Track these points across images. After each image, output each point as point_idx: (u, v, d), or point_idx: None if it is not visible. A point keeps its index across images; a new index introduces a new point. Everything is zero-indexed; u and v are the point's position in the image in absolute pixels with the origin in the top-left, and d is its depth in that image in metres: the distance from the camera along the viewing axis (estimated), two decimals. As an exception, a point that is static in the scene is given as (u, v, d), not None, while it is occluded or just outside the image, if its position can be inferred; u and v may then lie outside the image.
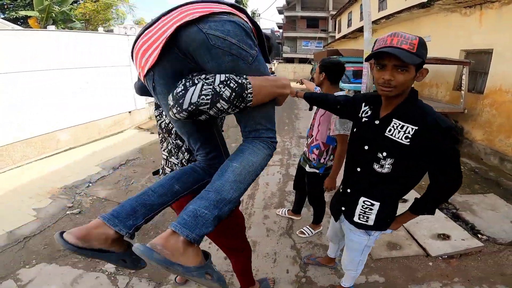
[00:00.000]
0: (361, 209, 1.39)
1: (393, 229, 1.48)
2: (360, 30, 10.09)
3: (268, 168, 4.50)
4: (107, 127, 6.46)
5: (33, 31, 6.02)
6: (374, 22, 8.98)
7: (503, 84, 4.63)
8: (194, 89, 0.79)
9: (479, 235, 2.90)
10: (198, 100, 0.79)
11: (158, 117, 1.37)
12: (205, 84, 0.79)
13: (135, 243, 0.73)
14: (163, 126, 1.34)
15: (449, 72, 5.92)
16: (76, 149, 5.44)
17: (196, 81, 0.81)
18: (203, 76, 0.82)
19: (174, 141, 1.30)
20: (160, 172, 1.50)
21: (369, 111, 1.32)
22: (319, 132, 2.22)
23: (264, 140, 0.91)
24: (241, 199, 1.11)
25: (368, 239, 1.49)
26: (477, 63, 5.36)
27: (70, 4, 9.91)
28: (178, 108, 0.80)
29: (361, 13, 8.79)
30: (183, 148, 1.28)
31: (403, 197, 1.43)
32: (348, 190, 1.44)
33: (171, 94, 0.83)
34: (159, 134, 1.42)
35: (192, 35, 0.77)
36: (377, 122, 1.25)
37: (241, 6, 0.98)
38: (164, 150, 1.40)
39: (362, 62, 7.71)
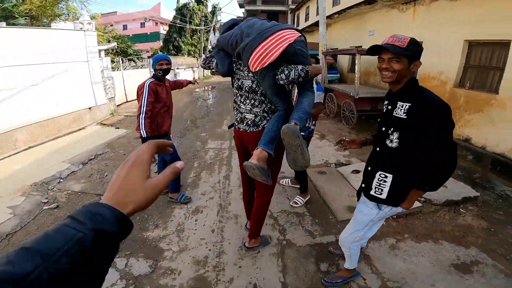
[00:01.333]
0: (376, 182, 1.60)
1: (404, 208, 1.60)
2: (316, 24, 10.79)
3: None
4: (67, 124, 6.23)
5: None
6: (328, 17, 9.70)
7: (431, 72, 5.53)
8: (293, 71, 1.69)
9: (419, 198, 3.42)
10: (294, 76, 1.69)
11: (238, 82, 1.98)
12: (294, 69, 1.69)
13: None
14: (247, 89, 1.93)
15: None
16: (37, 147, 5.23)
17: (290, 68, 1.70)
18: (291, 66, 1.70)
19: (259, 98, 1.92)
20: (236, 124, 2.08)
21: (386, 102, 1.62)
22: None
23: (311, 91, 1.90)
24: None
25: (378, 213, 1.65)
26: None
27: (15, 0, 9.15)
28: (286, 80, 1.71)
29: (318, 8, 9.41)
30: (266, 101, 1.94)
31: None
32: (369, 168, 1.68)
33: (280, 74, 1.71)
34: (239, 96, 2.01)
35: (290, 48, 1.63)
36: (389, 107, 1.54)
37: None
38: (242, 105, 1.99)
39: (317, 55, 8.34)
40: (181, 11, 22.02)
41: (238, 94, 2.01)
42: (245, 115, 1.99)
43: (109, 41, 15.37)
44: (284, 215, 2.99)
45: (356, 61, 6.04)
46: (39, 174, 3.99)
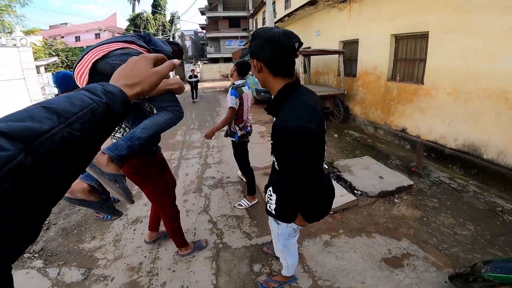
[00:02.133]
0: (267, 197, 1.52)
1: (299, 225, 1.48)
2: (270, 28, 11.08)
3: (188, 160, 4.81)
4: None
5: None
6: (280, 20, 9.99)
7: (367, 67, 5.92)
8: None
9: (355, 191, 3.35)
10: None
11: None
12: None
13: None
14: None
15: (334, 61, 7.16)
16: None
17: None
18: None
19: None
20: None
21: None
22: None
23: (169, 110, 1.51)
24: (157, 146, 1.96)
25: (278, 227, 1.57)
26: (350, 51, 6.66)
27: None
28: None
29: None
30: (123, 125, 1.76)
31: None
32: (267, 184, 1.56)
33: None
34: None
35: (103, 65, 1.32)
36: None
37: (132, 39, 1.48)
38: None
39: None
40: (134, 21, 21.53)
41: None
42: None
43: (58, 55, 14.50)
44: (224, 219, 3.02)
45: (340, 63, 6.32)
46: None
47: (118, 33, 28.51)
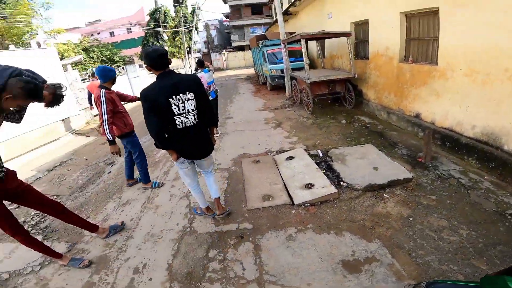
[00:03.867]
0: None
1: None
2: (286, 13, 10.73)
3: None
4: (39, 137, 6.49)
5: None
6: (292, 4, 9.63)
7: (379, 49, 5.49)
8: None
9: (342, 183, 3.09)
10: None
11: None
12: None
13: None
14: None
15: (344, 44, 6.73)
16: (11, 160, 5.51)
17: None
18: None
19: None
20: None
21: None
22: None
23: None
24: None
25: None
26: (361, 33, 6.20)
27: None
28: None
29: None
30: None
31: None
32: None
33: None
34: None
35: None
36: None
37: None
38: None
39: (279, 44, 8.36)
40: (153, 15, 22.26)
41: None
42: None
43: (93, 51, 15.63)
44: None
45: (302, 45, 6.01)
46: None
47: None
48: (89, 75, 9.75)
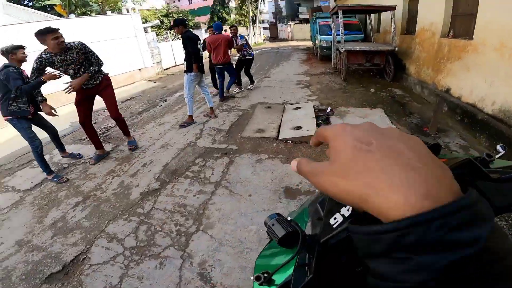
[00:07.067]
0: None
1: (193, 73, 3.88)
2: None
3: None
4: (123, 79, 8.37)
5: (70, 19, 8.01)
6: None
7: (425, 24, 5.29)
8: None
9: None
10: None
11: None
12: None
13: None
14: None
15: (398, 19, 6.48)
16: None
17: None
18: None
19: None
20: None
21: None
22: None
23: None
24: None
25: (186, 76, 3.96)
26: (412, 8, 5.98)
27: None
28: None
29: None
30: None
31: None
32: None
33: None
34: None
35: None
36: None
37: None
38: None
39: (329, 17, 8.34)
40: None
41: None
42: None
43: (172, 17, 17.69)
44: (210, 130, 4.02)
45: (340, 16, 6.10)
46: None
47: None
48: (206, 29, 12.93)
